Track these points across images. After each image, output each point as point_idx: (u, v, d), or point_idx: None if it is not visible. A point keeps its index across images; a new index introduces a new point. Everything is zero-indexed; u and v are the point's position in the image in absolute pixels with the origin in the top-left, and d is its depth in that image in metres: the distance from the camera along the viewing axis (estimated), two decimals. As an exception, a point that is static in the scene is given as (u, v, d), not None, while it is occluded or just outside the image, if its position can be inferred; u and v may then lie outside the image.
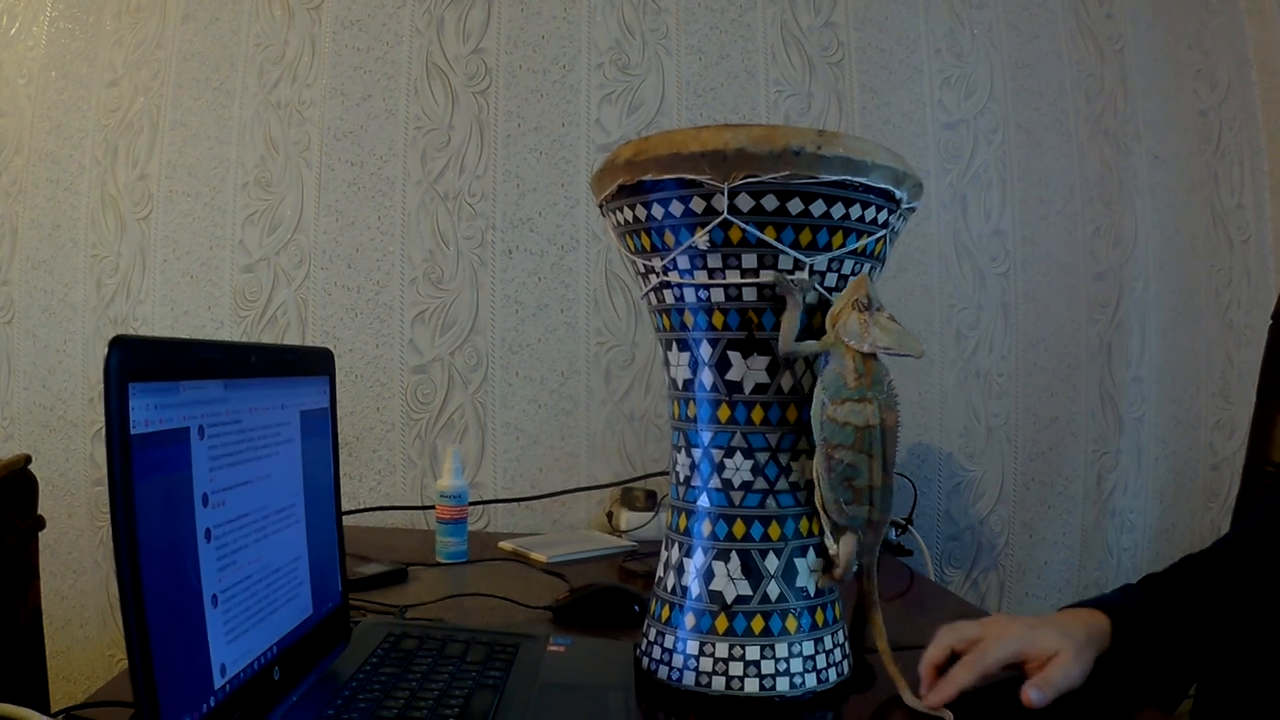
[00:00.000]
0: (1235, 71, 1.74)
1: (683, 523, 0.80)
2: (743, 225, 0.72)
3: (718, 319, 0.76)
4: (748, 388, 0.77)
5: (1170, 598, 0.81)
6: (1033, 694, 0.72)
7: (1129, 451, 1.71)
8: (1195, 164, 1.73)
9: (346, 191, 1.63)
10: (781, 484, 0.77)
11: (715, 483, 0.78)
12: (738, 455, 0.77)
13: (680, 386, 0.80)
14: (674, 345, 0.80)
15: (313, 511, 0.77)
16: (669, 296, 0.78)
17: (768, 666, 0.75)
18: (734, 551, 0.77)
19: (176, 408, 0.54)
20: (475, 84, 1.64)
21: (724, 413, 0.78)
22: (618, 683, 0.75)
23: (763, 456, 0.77)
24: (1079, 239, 1.71)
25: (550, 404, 1.63)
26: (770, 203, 0.71)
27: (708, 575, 0.78)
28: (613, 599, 1.01)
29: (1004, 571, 1.69)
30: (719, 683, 0.76)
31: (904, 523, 1.54)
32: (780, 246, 0.73)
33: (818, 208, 0.72)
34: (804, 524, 0.78)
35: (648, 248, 0.78)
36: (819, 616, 0.78)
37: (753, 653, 0.76)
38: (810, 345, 0.74)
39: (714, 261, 0.74)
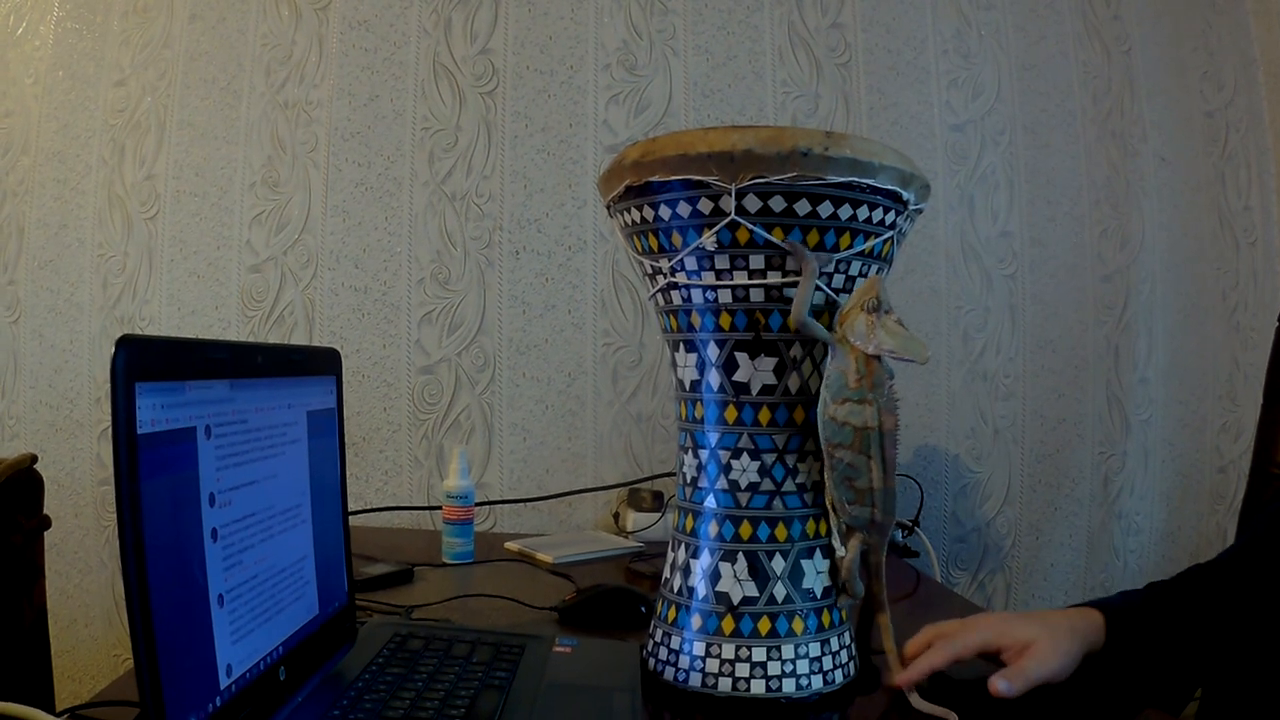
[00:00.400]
0: (1241, 73, 1.73)
1: (689, 524, 0.80)
2: (750, 226, 0.72)
3: (725, 320, 0.76)
4: (755, 389, 0.77)
5: (1173, 600, 0.81)
6: (1001, 684, 0.72)
7: (1135, 454, 1.71)
8: (1202, 165, 1.73)
9: (354, 192, 1.63)
10: (788, 485, 0.77)
11: (722, 484, 0.78)
12: (745, 456, 0.77)
13: (687, 387, 0.80)
14: (681, 346, 0.80)
15: (319, 511, 0.77)
16: (676, 297, 0.78)
17: (774, 668, 0.75)
18: (741, 553, 0.77)
19: (183, 407, 0.54)
20: (483, 84, 1.65)
21: (731, 414, 0.77)
22: (624, 684, 0.75)
23: (770, 458, 0.77)
24: (1086, 240, 1.70)
25: (557, 405, 1.63)
26: (778, 204, 0.71)
27: (714, 576, 0.77)
28: (619, 600, 1.01)
29: (1010, 573, 1.69)
30: (725, 684, 0.75)
31: (910, 524, 1.54)
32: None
33: (825, 209, 0.72)
34: (811, 525, 0.78)
35: (655, 249, 0.78)
36: (825, 618, 0.78)
37: (759, 654, 0.75)
38: (820, 329, 0.74)
39: (721, 262, 0.74)
